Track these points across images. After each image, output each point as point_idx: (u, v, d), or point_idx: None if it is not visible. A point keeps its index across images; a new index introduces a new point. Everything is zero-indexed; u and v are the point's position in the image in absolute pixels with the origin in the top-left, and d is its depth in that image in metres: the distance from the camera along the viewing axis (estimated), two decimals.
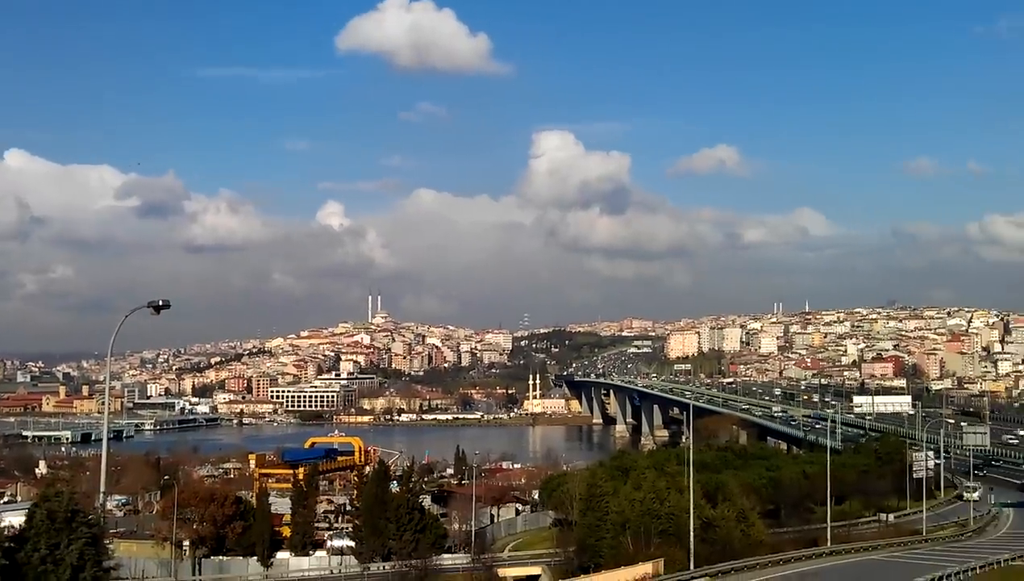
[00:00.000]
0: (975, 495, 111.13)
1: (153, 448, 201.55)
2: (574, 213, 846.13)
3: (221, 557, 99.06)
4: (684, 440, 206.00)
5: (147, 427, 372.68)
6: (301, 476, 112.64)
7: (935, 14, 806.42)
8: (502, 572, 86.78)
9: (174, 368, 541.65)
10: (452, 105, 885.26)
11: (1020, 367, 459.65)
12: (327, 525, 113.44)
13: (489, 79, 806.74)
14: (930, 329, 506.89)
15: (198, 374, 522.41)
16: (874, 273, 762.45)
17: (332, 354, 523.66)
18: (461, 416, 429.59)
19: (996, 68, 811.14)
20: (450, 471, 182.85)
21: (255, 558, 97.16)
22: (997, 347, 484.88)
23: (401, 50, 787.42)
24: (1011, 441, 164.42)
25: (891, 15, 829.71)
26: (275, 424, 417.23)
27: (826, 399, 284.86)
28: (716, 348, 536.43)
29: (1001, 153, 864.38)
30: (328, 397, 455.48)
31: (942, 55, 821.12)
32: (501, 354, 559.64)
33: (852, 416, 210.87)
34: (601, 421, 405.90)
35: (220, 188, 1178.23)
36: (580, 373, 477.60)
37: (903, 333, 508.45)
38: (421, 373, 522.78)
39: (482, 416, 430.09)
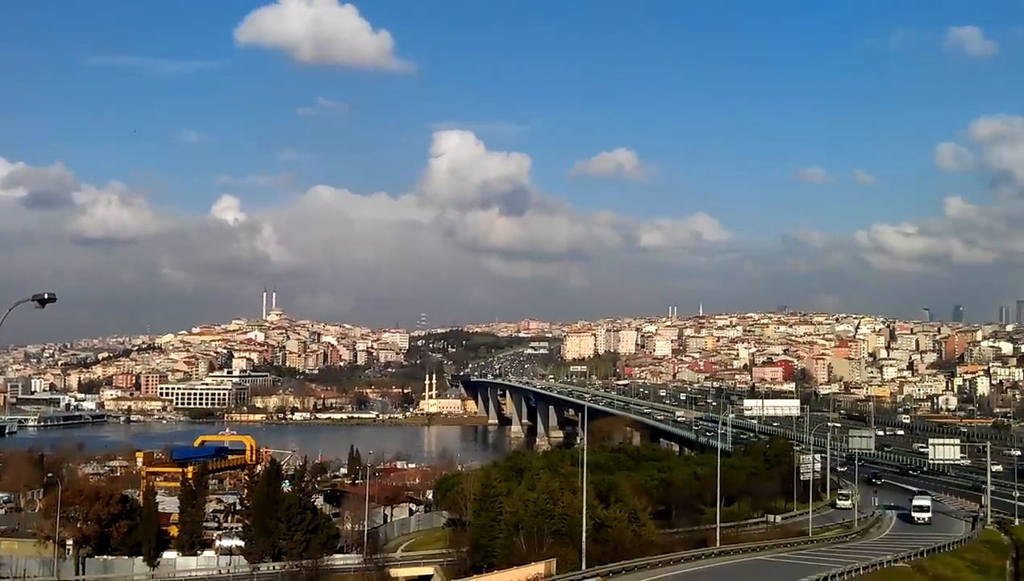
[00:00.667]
0: (847, 503, 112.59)
1: (37, 445, 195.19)
2: (473, 213, 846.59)
3: (106, 556, 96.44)
4: (579, 441, 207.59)
5: (31, 423, 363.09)
6: (190, 475, 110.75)
7: (828, 25, 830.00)
8: (394, 572, 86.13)
9: (60, 363, 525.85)
10: (352, 101, 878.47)
11: (905, 373, 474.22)
12: (216, 525, 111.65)
13: (391, 76, 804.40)
14: (819, 334, 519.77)
15: (85, 370, 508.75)
16: (766, 278, 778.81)
17: (225, 351, 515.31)
18: (356, 415, 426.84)
19: (885, 81, 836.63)
20: (344, 471, 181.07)
21: (141, 558, 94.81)
22: (883, 353, 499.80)
23: (302, 44, 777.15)
24: (921, 448, 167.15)
25: (784, 24, 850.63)
26: (164, 422, 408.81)
27: (718, 402, 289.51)
28: (612, 350, 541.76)
29: (887, 164, 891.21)
30: (220, 395, 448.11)
31: (834, 65, 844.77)
32: (398, 353, 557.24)
33: (743, 419, 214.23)
34: (497, 422, 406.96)
35: (111, 180, 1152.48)
36: (477, 373, 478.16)
37: (793, 338, 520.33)
38: (316, 372, 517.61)
39: (377, 416, 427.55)
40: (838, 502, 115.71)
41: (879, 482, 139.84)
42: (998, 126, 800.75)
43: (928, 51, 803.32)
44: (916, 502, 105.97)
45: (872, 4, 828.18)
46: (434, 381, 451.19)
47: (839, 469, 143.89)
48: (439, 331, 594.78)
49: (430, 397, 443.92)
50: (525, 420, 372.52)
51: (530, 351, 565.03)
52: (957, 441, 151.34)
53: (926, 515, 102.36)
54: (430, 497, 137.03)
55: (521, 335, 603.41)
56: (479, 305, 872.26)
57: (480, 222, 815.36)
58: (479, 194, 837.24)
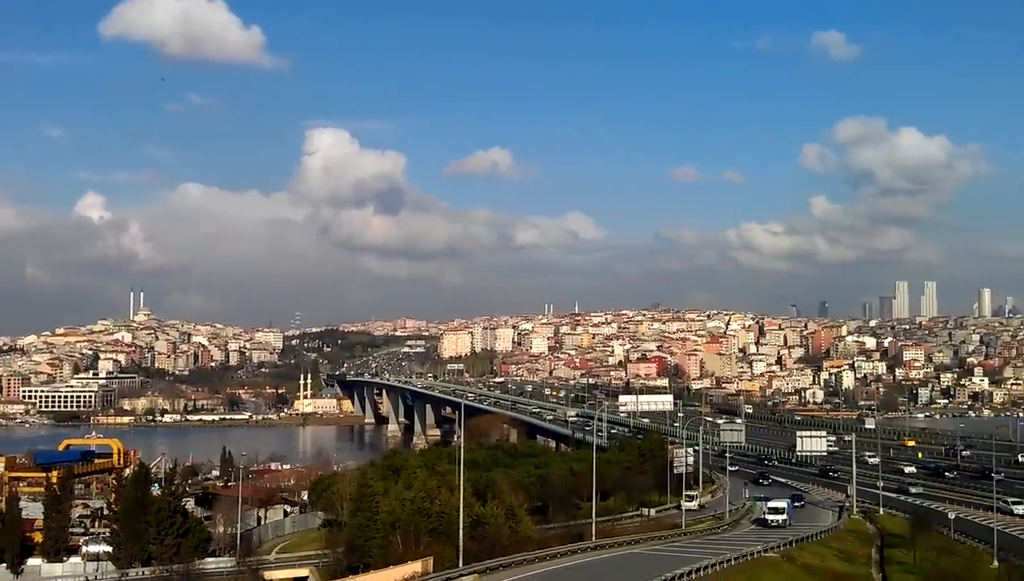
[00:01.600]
0: (694, 504, 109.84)
1: None
2: (348, 211, 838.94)
3: None
4: (456, 439, 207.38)
5: None
6: (55, 479, 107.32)
7: (698, 27, 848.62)
8: (268, 575, 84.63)
9: None
10: (223, 98, 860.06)
11: (773, 367, 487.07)
12: (83, 530, 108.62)
13: (263, 73, 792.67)
14: (691, 331, 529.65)
15: None
16: (640, 276, 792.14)
17: (90, 352, 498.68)
18: (229, 417, 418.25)
19: (753, 83, 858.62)
20: (216, 473, 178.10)
21: (4, 565, 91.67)
22: (752, 348, 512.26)
23: (170, 39, 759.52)
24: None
25: (656, 24, 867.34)
26: (27, 425, 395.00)
27: (594, 398, 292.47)
28: (488, 348, 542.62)
29: (756, 164, 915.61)
30: (85, 397, 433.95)
31: (704, 66, 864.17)
32: (271, 353, 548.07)
33: (618, 415, 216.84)
34: (373, 421, 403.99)
35: None
36: (353, 372, 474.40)
37: (666, 334, 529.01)
38: (186, 372, 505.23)
39: (251, 416, 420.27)
40: (683, 504, 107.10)
41: (767, 482, 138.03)
42: (860, 128, 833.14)
43: (794, 55, 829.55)
44: (771, 504, 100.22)
45: (740, 7, 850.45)
46: (309, 381, 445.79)
47: (732, 468, 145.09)
48: (314, 330, 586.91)
49: (305, 397, 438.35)
50: (402, 419, 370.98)
51: (407, 350, 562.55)
52: (824, 433, 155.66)
53: (780, 517, 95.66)
54: (305, 498, 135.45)
55: (398, 334, 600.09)
56: (355, 304, 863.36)
57: (355, 220, 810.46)
58: (353, 192, 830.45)
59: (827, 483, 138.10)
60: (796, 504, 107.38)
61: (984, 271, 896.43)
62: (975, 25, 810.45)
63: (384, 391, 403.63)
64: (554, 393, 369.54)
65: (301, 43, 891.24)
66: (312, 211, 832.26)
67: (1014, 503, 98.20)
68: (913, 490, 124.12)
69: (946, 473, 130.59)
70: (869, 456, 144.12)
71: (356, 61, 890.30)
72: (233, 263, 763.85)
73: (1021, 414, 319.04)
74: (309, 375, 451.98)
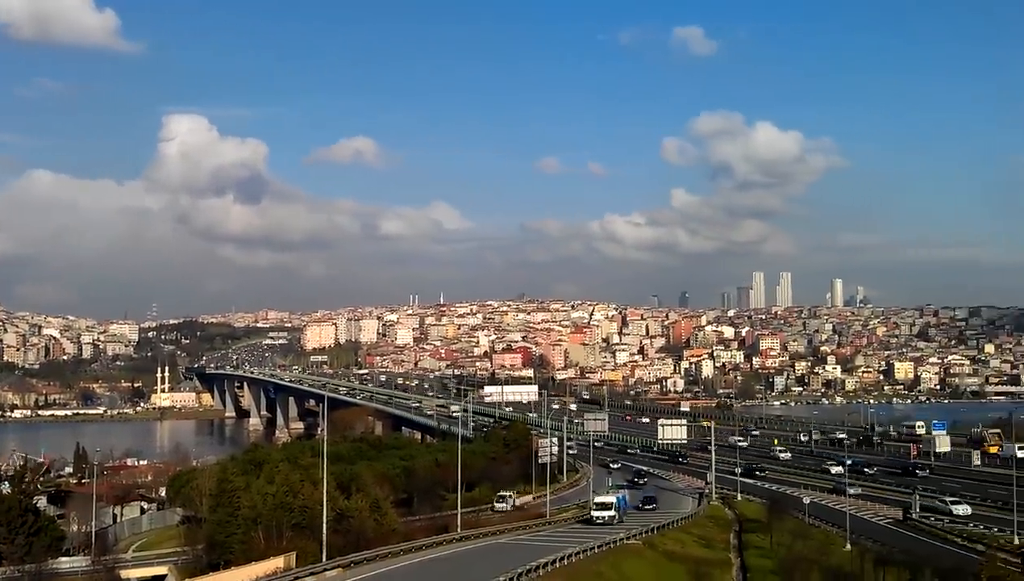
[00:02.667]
0: (507, 504, 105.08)
1: None
2: (207, 200, 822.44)
3: None
4: (320, 432, 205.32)
5: None
6: None
7: (562, 19, 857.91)
8: (125, 574, 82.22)
9: None
10: (75, 83, 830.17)
11: (636, 357, 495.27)
12: None
13: (117, 57, 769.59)
14: (556, 321, 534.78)
15: None
16: (505, 267, 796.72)
17: None
18: (82, 411, 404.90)
19: (616, 76, 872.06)
20: (69, 470, 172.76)
21: None
22: (616, 339, 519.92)
23: (19, 21, 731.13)
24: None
25: (521, 16, 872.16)
26: None
27: (459, 389, 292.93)
28: (353, 339, 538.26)
29: (619, 156, 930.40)
30: None
31: (568, 58, 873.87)
32: (127, 346, 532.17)
33: (483, 405, 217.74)
34: (234, 415, 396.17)
35: None
36: (213, 365, 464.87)
37: (531, 325, 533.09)
38: (37, 366, 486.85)
39: (106, 411, 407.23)
40: (495, 504, 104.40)
41: (616, 466, 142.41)
42: (718, 122, 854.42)
43: (656, 49, 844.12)
44: (597, 500, 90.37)
45: (604, 1, 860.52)
46: (167, 374, 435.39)
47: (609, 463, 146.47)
48: (172, 322, 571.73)
49: (163, 391, 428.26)
50: (264, 412, 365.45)
51: (269, 341, 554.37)
52: (684, 422, 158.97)
53: (607, 513, 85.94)
54: (163, 494, 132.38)
55: (259, 325, 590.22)
56: (215, 295, 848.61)
57: (215, 209, 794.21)
58: (213, 180, 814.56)
59: (685, 469, 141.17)
60: (648, 506, 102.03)
61: (836, 262, 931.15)
62: (828, 22, 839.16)
63: (245, 384, 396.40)
64: (419, 384, 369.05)
65: (157, 27, 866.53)
66: (170, 200, 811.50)
67: (952, 503, 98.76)
68: (758, 474, 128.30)
69: (865, 469, 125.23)
70: (739, 441, 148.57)
71: (215, 46, 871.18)
72: (87, 253, 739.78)
73: (872, 401, 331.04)
74: (167, 368, 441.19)
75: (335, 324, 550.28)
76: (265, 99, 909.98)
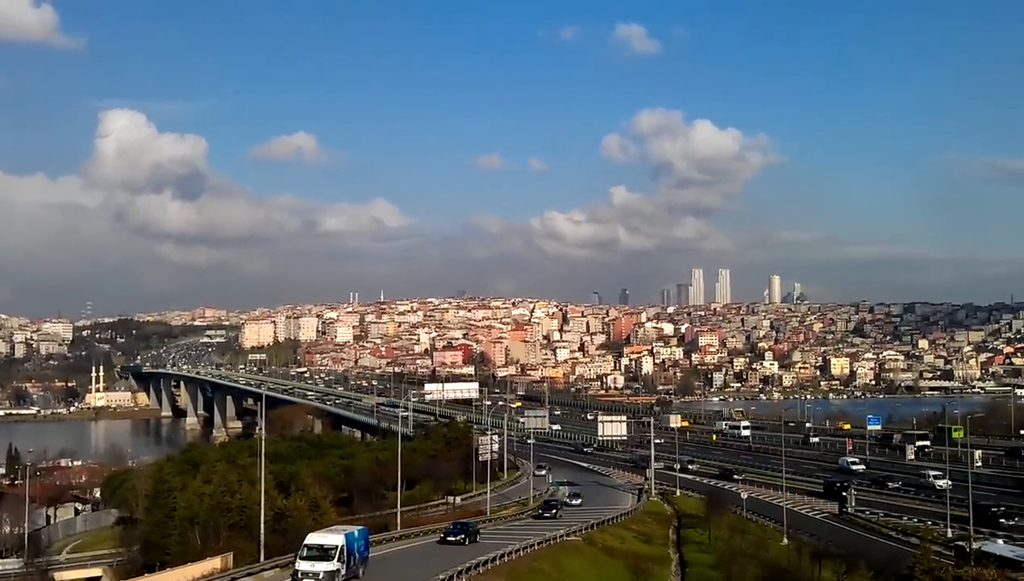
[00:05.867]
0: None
1: None
2: (145, 197, 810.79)
3: None
4: (257, 431, 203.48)
5: None
6: None
7: (504, 15, 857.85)
8: (59, 576, 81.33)
9: None
10: (10, 78, 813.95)
11: (577, 354, 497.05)
12: None
13: (55, 53, 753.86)
14: (497, 318, 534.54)
15: None
16: (446, 264, 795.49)
17: None
18: (14, 412, 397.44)
19: (557, 73, 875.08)
20: (1, 471, 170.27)
21: None
22: (556, 335, 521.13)
23: None
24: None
25: (464, 11, 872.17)
26: None
27: (399, 387, 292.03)
28: (292, 337, 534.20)
29: (560, 153, 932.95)
30: None
31: (510, 55, 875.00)
32: (61, 344, 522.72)
33: (424, 403, 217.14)
34: (171, 414, 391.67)
35: None
36: (149, 364, 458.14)
37: (472, 322, 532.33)
38: None
39: (39, 411, 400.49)
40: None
41: (542, 472, 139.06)
42: (658, 119, 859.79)
43: (597, 46, 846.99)
44: (311, 540, 53.74)
45: None
46: (102, 373, 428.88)
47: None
48: (107, 321, 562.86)
49: (97, 390, 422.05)
50: (201, 411, 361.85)
51: (206, 340, 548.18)
52: (624, 418, 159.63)
53: (323, 569, 52.35)
54: (98, 495, 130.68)
55: (197, 323, 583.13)
56: (151, 293, 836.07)
57: (152, 206, 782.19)
58: (150, 177, 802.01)
59: (623, 465, 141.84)
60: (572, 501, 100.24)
61: (774, 259, 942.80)
62: (767, 23, 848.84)
63: (182, 383, 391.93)
64: (360, 382, 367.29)
65: (96, 23, 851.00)
66: (106, 196, 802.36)
67: (934, 476, 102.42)
68: (692, 467, 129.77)
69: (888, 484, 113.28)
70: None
71: (155, 42, 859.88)
72: (17, 250, 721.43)
73: (808, 396, 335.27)
74: (102, 367, 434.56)
75: (274, 322, 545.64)
76: (205, 94, 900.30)
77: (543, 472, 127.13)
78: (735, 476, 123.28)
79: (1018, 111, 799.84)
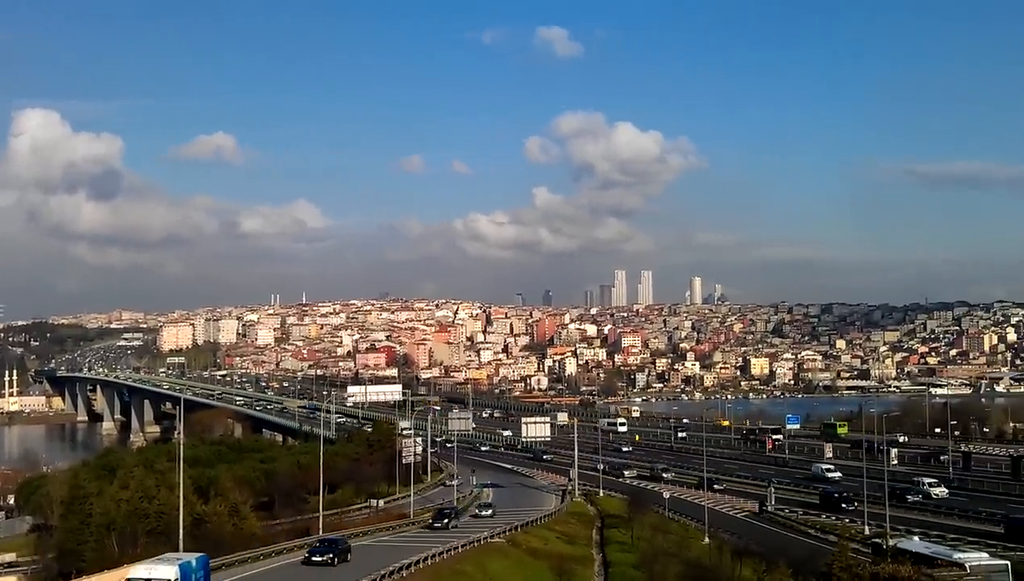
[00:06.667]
0: None
1: None
2: (58, 197, 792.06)
3: None
4: (176, 435, 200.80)
5: None
6: None
7: (427, 16, 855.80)
8: None
9: None
10: None
11: (500, 356, 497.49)
12: None
13: None
14: (420, 320, 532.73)
15: None
16: (368, 266, 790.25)
17: None
18: None
19: (479, 74, 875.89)
20: None
21: None
22: (480, 337, 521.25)
23: None
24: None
25: (386, 11, 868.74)
26: None
27: (321, 390, 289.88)
28: (212, 340, 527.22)
29: (482, 155, 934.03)
30: None
31: (432, 56, 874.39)
32: None
33: (346, 406, 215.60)
34: (87, 419, 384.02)
35: None
36: (64, 367, 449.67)
37: (395, 324, 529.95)
38: None
39: None
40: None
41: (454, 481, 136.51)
42: (580, 122, 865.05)
43: (520, 49, 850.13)
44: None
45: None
46: (15, 377, 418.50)
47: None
48: (20, 323, 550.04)
49: (10, 395, 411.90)
50: (119, 416, 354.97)
51: (123, 343, 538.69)
52: (548, 419, 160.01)
53: None
54: (11, 502, 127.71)
55: (113, 326, 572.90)
56: (66, 295, 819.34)
57: (66, 206, 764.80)
58: (64, 177, 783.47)
59: (547, 467, 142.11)
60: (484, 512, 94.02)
61: (695, 260, 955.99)
62: (688, 24, 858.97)
63: (98, 387, 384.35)
64: (281, 385, 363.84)
65: (8, 20, 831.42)
66: (19, 196, 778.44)
67: (929, 484, 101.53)
68: (627, 473, 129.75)
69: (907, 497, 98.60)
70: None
71: (70, 39, 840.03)
72: None
73: (729, 396, 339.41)
74: (15, 371, 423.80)
75: (193, 325, 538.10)
76: (122, 93, 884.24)
77: (457, 482, 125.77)
78: (664, 476, 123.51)
79: (933, 113, 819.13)
